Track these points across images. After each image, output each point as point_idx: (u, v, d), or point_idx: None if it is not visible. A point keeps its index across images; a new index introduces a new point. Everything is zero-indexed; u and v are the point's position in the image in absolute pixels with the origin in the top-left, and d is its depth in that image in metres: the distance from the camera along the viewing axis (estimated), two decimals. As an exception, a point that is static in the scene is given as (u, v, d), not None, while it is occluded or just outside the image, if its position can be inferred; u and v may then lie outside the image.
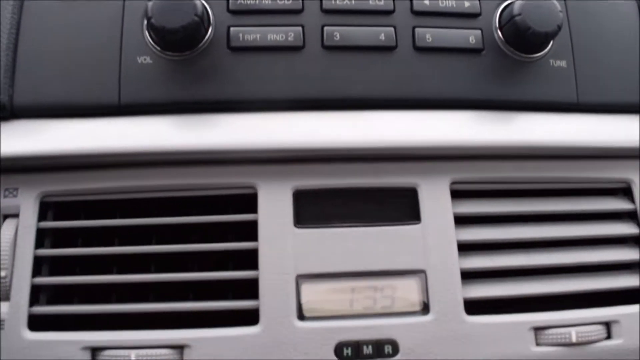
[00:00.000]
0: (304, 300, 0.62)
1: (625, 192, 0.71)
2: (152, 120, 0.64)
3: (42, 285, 0.63)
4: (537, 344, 0.63)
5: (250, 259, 0.63)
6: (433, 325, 0.62)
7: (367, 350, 0.61)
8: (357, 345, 0.61)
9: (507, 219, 0.68)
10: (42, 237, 0.65)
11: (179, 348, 0.60)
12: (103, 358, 0.60)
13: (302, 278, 0.62)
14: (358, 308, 0.62)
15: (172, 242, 0.64)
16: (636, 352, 0.65)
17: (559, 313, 0.65)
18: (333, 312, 0.62)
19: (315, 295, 0.62)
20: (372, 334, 0.61)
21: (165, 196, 0.64)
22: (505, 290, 0.65)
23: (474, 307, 0.64)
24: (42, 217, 0.65)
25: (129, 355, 0.60)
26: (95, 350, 0.61)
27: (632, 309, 0.66)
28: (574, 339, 0.63)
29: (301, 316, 0.61)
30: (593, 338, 0.64)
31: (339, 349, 0.61)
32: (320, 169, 0.65)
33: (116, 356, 0.60)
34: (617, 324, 0.65)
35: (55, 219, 0.65)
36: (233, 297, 0.63)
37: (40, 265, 0.64)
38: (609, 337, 0.65)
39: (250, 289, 0.63)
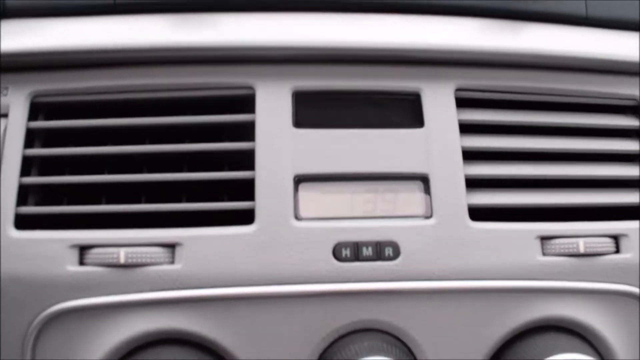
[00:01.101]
0: (301, 200, 0.59)
1: (634, 110, 0.69)
2: (148, 18, 0.62)
3: (30, 187, 0.61)
4: (544, 254, 0.61)
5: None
6: (436, 229, 0.60)
7: (367, 252, 0.58)
8: (356, 246, 0.58)
9: (513, 131, 0.65)
10: (32, 139, 0.62)
11: (171, 247, 0.58)
12: (91, 256, 0.58)
13: (300, 179, 0.60)
14: (358, 211, 0.60)
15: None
16: (646, 267, 0.63)
17: (566, 224, 0.62)
18: (332, 214, 0.59)
19: (313, 197, 0.60)
20: (372, 236, 0.59)
21: (159, 97, 0.62)
22: (511, 199, 0.62)
23: (478, 216, 0.61)
24: (32, 118, 0.62)
25: (117, 253, 0.57)
26: (83, 249, 0.58)
27: None
28: (581, 250, 0.61)
29: (298, 217, 0.59)
30: (601, 250, 0.61)
31: (337, 249, 0.58)
32: (321, 71, 0.63)
33: (104, 254, 0.57)
34: (626, 238, 0.63)
35: (46, 120, 0.63)
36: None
37: (29, 167, 0.62)
38: (617, 251, 0.63)
39: (245, 194, 0.60)
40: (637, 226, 0.63)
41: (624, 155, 0.67)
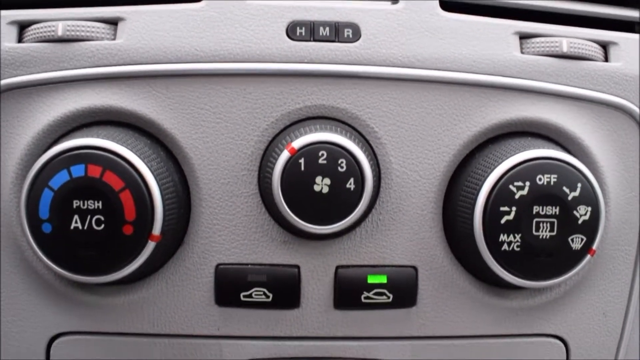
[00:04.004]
0: None
1: None
2: None
3: None
4: (522, 52, 0.55)
5: None
6: (402, 14, 0.54)
7: (324, 31, 0.53)
8: (312, 25, 0.53)
9: None
10: None
11: (113, 23, 0.54)
12: (29, 32, 0.54)
13: None
14: None
15: None
16: (635, 79, 0.56)
17: (548, 25, 0.57)
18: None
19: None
20: (331, 16, 0.54)
21: None
22: None
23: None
24: None
25: (55, 26, 0.53)
26: (22, 27, 0.55)
27: (633, 36, 0.58)
28: (564, 49, 0.55)
29: None
30: (587, 53, 0.55)
31: (291, 27, 0.53)
32: None
33: (42, 27, 0.53)
34: (616, 46, 0.57)
35: None
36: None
37: None
38: (606, 60, 0.57)
39: None
40: (628, 37, 0.57)
41: None
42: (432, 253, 0.54)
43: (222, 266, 0.54)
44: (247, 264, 0.54)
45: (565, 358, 0.58)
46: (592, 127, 0.56)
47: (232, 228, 0.53)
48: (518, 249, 0.51)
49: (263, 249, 0.54)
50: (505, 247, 0.51)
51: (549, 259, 0.51)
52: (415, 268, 0.55)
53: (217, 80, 0.53)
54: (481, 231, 0.51)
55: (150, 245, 0.49)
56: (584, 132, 0.55)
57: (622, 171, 0.56)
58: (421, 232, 0.54)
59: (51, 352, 0.56)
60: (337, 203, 0.50)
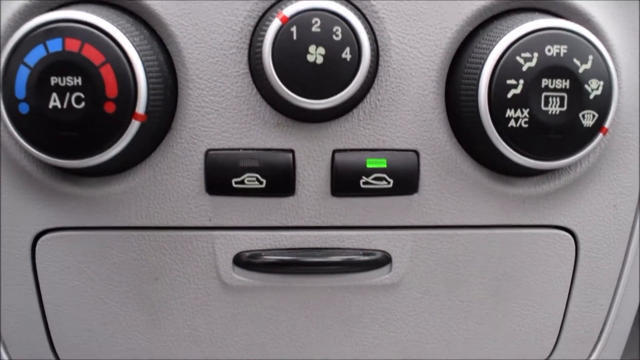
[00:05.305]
0: None
1: None
2: None
3: None
4: None
5: None
6: None
7: None
8: None
9: None
10: None
11: None
12: None
13: None
14: None
15: None
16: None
17: None
18: None
19: None
20: None
21: None
22: None
23: None
24: None
25: None
26: None
27: None
28: None
29: None
30: None
31: None
32: None
33: None
34: None
35: None
36: None
37: None
38: None
39: None
40: None
41: None
42: (434, 136, 0.52)
43: (212, 152, 0.51)
44: (238, 149, 0.51)
45: (574, 252, 0.56)
46: (603, 4, 0.52)
47: (221, 111, 0.50)
48: (526, 126, 0.48)
49: (255, 132, 0.51)
50: (512, 123, 0.48)
51: (558, 136, 0.48)
52: (416, 152, 0.52)
53: None
54: (486, 106, 0.48)
55: (135, 125, 0.46)
56: (595, 8, 0.52)
57: (635, 54, 0.53)
58: (422, 113, 0.51)
59: (36, 251, 0.54)
60: (333, 74, 0.47)
